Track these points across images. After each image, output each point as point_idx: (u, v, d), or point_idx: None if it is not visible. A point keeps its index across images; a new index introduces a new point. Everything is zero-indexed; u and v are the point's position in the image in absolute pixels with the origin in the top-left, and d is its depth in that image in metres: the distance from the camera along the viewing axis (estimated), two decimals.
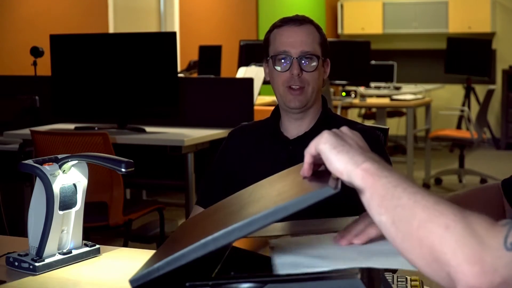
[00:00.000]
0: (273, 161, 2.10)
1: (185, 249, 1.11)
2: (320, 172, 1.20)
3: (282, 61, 2.06)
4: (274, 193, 1.22)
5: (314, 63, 2.05)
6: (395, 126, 9.29)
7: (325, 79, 2.14)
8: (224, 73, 7.12)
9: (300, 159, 2.03)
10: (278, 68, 2.07)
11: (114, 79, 4.34)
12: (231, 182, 2.15)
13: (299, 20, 2.08)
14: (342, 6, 10.23)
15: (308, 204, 1.05)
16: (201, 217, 1.43)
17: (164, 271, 1.11)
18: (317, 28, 2.11)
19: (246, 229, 1.08)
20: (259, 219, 1.07)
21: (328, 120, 2.12)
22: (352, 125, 2.14)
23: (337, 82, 6.94)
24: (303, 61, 2.05)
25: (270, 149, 2.12)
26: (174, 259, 1.11)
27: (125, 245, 3.84)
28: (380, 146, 2.11)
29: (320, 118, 2.12)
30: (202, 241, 1.09)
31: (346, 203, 2.01)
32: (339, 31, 10.31)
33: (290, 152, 2.09)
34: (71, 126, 4.48)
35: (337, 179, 1.07)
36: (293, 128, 2.12)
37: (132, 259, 1.81)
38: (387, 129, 2.29)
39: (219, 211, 1.35)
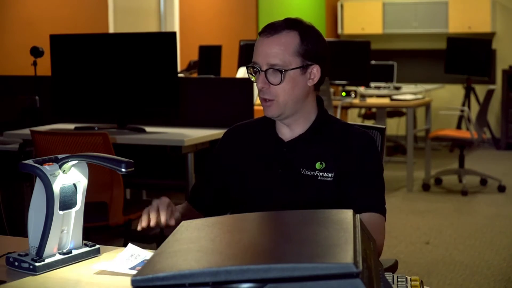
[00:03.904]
0: (267, 163, 2.09)
1: (195, 270, 1.11)
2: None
3: (254, 72, 2.04)
4: (297, 239, 1.25)
5: (278, 76, 1.99)
6: (395, 126, 9.29)
7: (311, 86, 2.06)
8: (224, 73, 7.12)
9: (295, 163, 2.04)
10: (251, 78, 2.06)
11: (114, 79, 4.34)
12: (225, 181, 2.15)
13: (274, 29, 2.01)
14: (342, 6, 10.23)
15: (328, 273, 1.10)
16: (213, 229, 1.42)
17: (168, 283, 1.11)
18: (301, 33, 2.01)
19: (260, 274, 1.09)
20: (274, 269, 1.10)
21: (324, 123, 2.10)
22: (348, 127, 2.12)
23: (337, 82, 6.94)
24: (269, 74, 2.00)
25: (265, 150, 2.11)
26: (182, 276, 1.11)
27: (125, 245, 3.84)
28: (373, 149, 2.08)
29: (316, 121, 2.09)
30: (214, 268, 1.10)
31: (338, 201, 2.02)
32: (339, 31, 10.31)
33: (285, 155, 2.07)
34: (71, 126, 4.48)
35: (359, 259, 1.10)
36: (286, 131, 2.10)
37: None
38: (384, 129, 2.28)
39: (237, 232, 1.35)
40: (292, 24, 2.03)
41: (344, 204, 2.01)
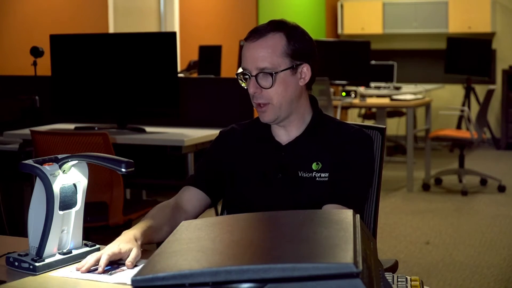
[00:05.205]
0: (266, 167, 2.07)
1: (195, 270, 1.10)
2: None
3: (244, 79, 2.04)
4: (298, 239, 1.25)
5: (269, 79, 1.99)
6: (395, 126, 9.29)
7: (303, 86, 2.05)
8: (224, 73, 7.11)
9: (293, 166, 2.03)
10: (242, 85, 2.05)
11: (114, 79, 4.34)
12: (222, 181, 2.14)
13: (259, 33, 2.01)
14: (342, 6, 10.23)
15: (328, 273, 1.10)
16: (213, 229, 1.42)
17: (168, 283, 1.11)
18: (287, 34, 2.01)
19: (260, 274, 1.09)
20: (274, 269, 1.10)
21: (319, 123, 2.09)
22: (342, 126, 2.11)
23: (337, 82, 6.94)
24: (260, 78, 2.00)
25: (263, 154, 2.10)
26: (182, 276, 1.11)
27: None
28: (363, 146, 2.06)
29: (312, 121, 2.08)
30: (214, 268, 1.10)
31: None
32: (339, 31, 10.31)
33: (283, 158, 2.06)
34: (71, 126, 4.48)
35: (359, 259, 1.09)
36: (282, 134, 2.09)
37: None
38: (384, 129, 2.27)
39: (237, 232, 1.35)
40: (276, 26, 2.03)
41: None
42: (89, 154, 1.80)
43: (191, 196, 2.11)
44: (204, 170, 2.16)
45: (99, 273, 1.69)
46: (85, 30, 6.10)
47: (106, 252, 1.74)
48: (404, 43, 10.21)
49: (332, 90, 6.77)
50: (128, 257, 1.75)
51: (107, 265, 1.72)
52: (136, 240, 1.82)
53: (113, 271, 1.70)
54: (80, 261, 1.78)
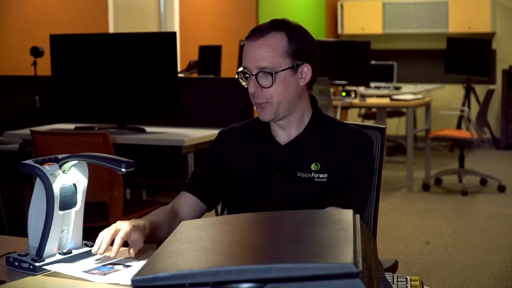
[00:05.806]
0: (265, 167, 2.07)
1: (195, 270, 1.11)
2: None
3: (244, 78, 2.03)
4: (297, 239, 1.25)
5: (269, 79, 1.98)
6: (395, 126, 9.29)
7: (304, 86, 2.05)
8: (224, 73, 7.11)
9: (291, 166, 2.02)
10: (242, 83, 2.05)
11: (114, 79, 4.34)
12: (221, 182, 2.14)
13: (260, 32, 2.00)
14: (342, 6, 10.23)
15: (328, 273, 1.10)
16: (213, 229, 1.42)
17: (168, 283, 1.12)
18: (288, 34, 2.00)
19: (260, 274, 1.09)
20: (274, 269, 1.10)
21: (319, 123, 2.09)
22: (342, 126, 2.11)
23: (337, 82, 6.94)
24: (260, 77, 1.99)
25: (262, 154, 2.09)
26: (182, 276, 1.11)
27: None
28: (364, 148, 2.06)
29: (311, 121, 2.08)
30: (214, 268, 1.10)
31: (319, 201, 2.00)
32: (339, 31, 10.31)
33: (282, 158, 2.06)
34: (71, 126, 4.48)
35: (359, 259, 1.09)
36: (282, 133, 2.09)
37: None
38: (384, 129, 2.27)
39: (237, 232, 1.35)
40: (278, 25, 2.02)
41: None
42: (89, 154, 1.80)
43: (186, 202, 2.12)
44: (202, 173, 2.16)
45: (113, 258, 1.76)
46: (85, 30, 6.10)
47: (120, 235, 1.78)
48: (404, 43, 10.21)
49: (332, 90, 6.77)
50: (135, 239, 1.82)
51: (100, 266, 1.73)
52: (145, 229, 1.87)
53: (107, 272, 1.69)
54: (80, 261, 1.78)
